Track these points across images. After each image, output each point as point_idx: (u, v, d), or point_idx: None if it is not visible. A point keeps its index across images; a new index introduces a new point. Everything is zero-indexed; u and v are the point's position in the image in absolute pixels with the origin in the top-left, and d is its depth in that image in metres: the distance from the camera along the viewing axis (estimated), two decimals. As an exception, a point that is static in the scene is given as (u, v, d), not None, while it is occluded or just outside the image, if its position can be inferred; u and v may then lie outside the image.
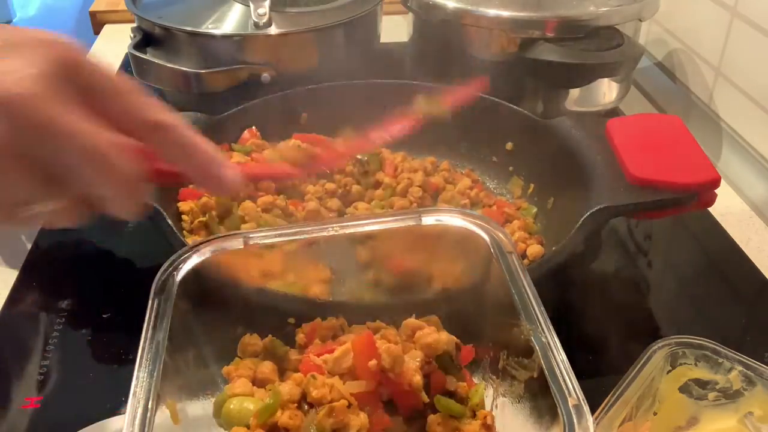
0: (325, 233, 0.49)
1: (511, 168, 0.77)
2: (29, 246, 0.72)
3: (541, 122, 0.74)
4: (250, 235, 0.48)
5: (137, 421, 0.37)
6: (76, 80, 0.34)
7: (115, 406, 0.54)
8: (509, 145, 0.77)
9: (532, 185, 0.74)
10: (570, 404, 0.38)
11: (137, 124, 0.36)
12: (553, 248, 0.62)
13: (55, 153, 0.33)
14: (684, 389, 0.50)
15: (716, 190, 0.63)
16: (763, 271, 0.70)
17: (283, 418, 0.42)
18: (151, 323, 0.42)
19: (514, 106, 0.76)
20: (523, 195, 0.75)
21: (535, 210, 0.72)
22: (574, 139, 0.68)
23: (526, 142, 0.75)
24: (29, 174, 0.33)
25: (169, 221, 0.60)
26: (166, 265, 0.46)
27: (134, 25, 0.91)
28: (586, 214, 0.60)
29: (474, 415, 0.46)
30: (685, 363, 0.50)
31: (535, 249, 0.66)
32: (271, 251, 0.49)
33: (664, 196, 0.61)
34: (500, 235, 0.48)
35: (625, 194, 0.62)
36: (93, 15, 1.25)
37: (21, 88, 0.31)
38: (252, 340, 0.49)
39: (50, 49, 0.33)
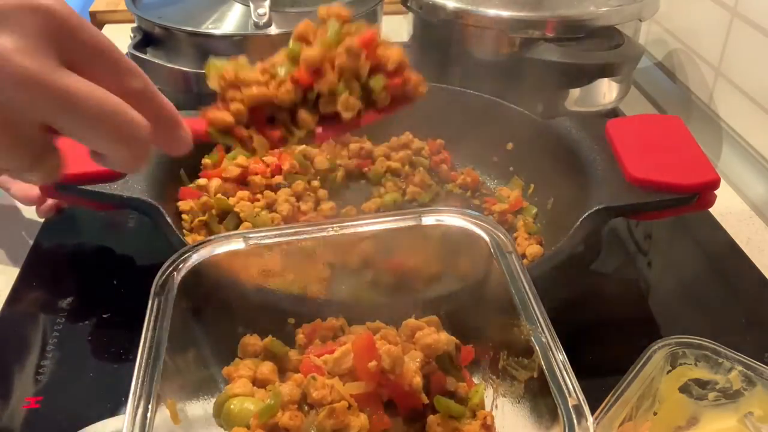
0: (325, 233, 0.49)
1: (511, 168, 0.77)
2: (30, 245, 0.72)
3: (542, 122, 0.74)
4: (250, 235, 0.48)
5: (137, 421, 0.37)
6: (63, 44, 0.33)
7: (115, 406, 0.54)
8: (510, 145, 0.77)
9: (532, 185, 0.74)
10: (570, 404, 0.38)
11: (118, 88, 0.36)
12: (552, 248, 0.62)
13: (59, 112, 0.32)
14: (684, 389, 0.50)
15: (716, 191, 0.63)
16: (763, 271, 0.70)
17: (283, 418, 0.42)
18: (151, 323, 0.42)
19: (515, 106, 0.76)
20: (523, 195, 0.75)
21: (535, 210, 0.72)
22: (574, 140, 0.68)
23: (527, 143, 0.75)
24: (17, 144, 0.33)
25: (169, 220, 0.60)
26: (166, 264, 0.46)
27: (134, 25, 0.91)
28: (585, 215, 0.60)
29: (474, 416, 0.46)
30: (685, 363, 0.50)
31: (534, 249, 0.66)
32: (271, 251, 0.49)
33: (663, 197, 0.61)
34: (500, 235, 0.48)
35: (625, 195, 0.62)
36: (93, 15, 1.25)
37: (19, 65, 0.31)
38: (252, 341, 0.49)
39: (35, 18, 0.32)
